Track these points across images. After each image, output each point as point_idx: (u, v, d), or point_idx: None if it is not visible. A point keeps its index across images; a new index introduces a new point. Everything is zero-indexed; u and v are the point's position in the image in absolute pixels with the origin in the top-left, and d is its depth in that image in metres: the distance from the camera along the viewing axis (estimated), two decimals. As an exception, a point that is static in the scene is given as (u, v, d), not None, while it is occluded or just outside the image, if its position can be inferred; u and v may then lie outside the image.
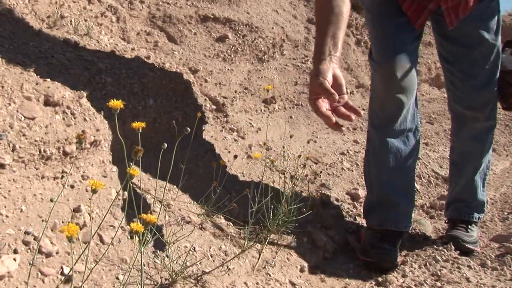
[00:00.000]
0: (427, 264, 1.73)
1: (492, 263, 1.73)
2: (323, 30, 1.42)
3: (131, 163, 0.93)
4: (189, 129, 1.37)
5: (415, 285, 1.57)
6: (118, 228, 1.13)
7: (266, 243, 1.66)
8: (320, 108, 1.28)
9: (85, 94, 1.61)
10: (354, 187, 2.32)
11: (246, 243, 1.60)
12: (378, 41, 1.81)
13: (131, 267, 1.33)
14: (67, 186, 1.44)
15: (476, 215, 1.99)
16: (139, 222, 0.79)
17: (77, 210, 1.40)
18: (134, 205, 1.25)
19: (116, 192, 1.55)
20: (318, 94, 1.30)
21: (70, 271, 1.20)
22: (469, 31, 1.80)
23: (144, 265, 1.35)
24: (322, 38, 1.39)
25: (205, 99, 2.32)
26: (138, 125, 0.99)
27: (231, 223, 1.75)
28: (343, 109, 1.29)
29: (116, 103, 0.92)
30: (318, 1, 1.52)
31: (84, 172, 1.51)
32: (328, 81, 1.28)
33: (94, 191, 0.75)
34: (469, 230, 1.94)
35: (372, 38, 1.88)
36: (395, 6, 1.78)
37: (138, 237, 0.86)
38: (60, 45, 1.88)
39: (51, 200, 0.72)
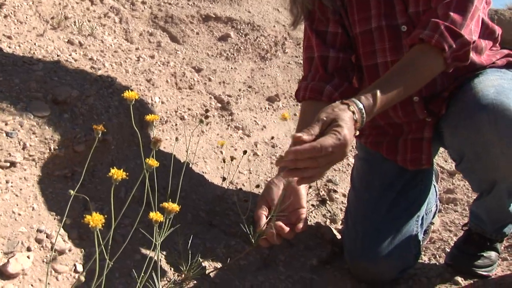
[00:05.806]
0: (437, 256, 1.73)
1: (502, 253, 1.73)
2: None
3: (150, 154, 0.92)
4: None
5: (426, 276, 1.57)
6: (134, 228, 1.13)
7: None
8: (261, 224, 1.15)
9: (92, 93, 1.61)
10: (360, 182, 2.32)
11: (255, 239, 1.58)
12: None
13: (143, 263, 1.33)
14: (77, 184, 1.44)
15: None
16: (158, 212, 0.79)
17: (87, 208, 1.40)
18: (144, 202, 1.25)
19: (125, 189, 1.55)
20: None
21: (84, 270, 1.20)
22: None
23: (156, 262, 1.35)
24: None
25: (210, 97, 2.32)
26: (152, 117, 0.99)
27: (240, 219, 1.75)
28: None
29: (131, 94, 0.91)
30: None
31: (94, 170, 1.51)
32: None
33: (115, 181, 0.74)
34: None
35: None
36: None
37: (156, 229, 0.86)
38: (65, 45, 1.88)
39: (69, 193, 0.72)
